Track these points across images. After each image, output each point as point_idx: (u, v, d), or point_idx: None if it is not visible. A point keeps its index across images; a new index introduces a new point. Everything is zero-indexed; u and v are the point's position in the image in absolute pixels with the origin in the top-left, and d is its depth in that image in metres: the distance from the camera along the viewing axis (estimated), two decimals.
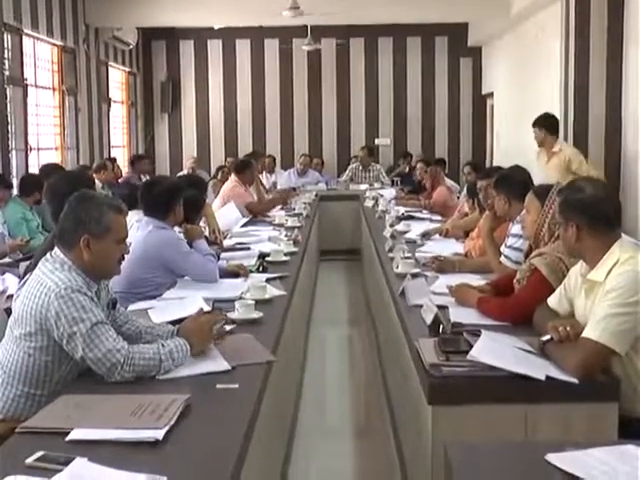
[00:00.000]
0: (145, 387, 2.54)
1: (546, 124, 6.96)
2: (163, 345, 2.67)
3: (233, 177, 7.93)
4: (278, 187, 10.64)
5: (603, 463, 1.94)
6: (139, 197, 4.38)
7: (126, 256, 2.90)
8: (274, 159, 12.22)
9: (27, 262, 4.20)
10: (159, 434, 2.12)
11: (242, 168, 7.88)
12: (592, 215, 2.79)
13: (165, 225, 4.26)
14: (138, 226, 4.31)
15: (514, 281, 3.48)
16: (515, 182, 4.34)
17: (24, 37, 8.50)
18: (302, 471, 4.11)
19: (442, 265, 4.43)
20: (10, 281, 4.55)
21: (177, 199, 4.32)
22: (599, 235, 2.79)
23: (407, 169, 11.42)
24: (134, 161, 10.45)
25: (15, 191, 7.19)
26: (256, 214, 7.54)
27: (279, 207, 8.29)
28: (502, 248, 4.18)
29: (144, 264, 4.09)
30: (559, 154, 6.79)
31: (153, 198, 4.28)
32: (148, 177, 9.74)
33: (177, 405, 2.29)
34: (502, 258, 4.11)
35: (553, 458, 1.97)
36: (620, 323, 2.62)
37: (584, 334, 2.66)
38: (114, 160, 9.75)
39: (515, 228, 4.09)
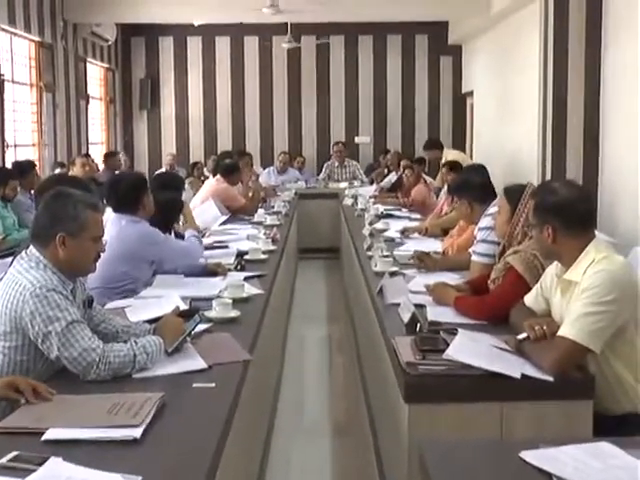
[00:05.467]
0: (121, 386, 2.53)
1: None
2: (135, 342, 2.68)
3: (220, 178, 7.76)
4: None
5: (576, 460, 1.95)
6: (106, 195, 4.34)
7: (102, 254, 2.89)
8: (251, 157, 12.17)
9: (4, 259, 4.16)
10: (137, 432, 2.11)
11: (231, 171, 7.77)
12: (567, 216, 2.81)
13: (138, 219, 4.25)
14: (111, 222, 4.28)
15: (489, 281, 3.50)
16: (473, 186, 4.41)
17: (1, 32, 8.42)
18: (280, 469, 4.10)
19: (425, 261, 4.42)
20: None
21: (144, 191, 4.32)
22: (575, 236, 2.81)
23: (386, 171, 11.44)
24: (107, 157, 10.40)
25: None
26: (247, 214, 7.43)
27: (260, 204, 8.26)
28: (472, 248, 4.20)
29: (121, 259, 4.07)
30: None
31: (121, 194, 4.27)
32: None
33: (152, 403, 2.29)
34: (474, 257, 4.11)
35: (527, 455, 1.98)
36: (595, 322, 2.64)
37: (560, 332, 2.68)
38: (88, 156, 9.67)
39: (484, 221, 4.11)
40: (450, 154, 9.54)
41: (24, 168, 7.40)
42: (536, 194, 3.00)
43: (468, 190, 4.41)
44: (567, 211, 2.81)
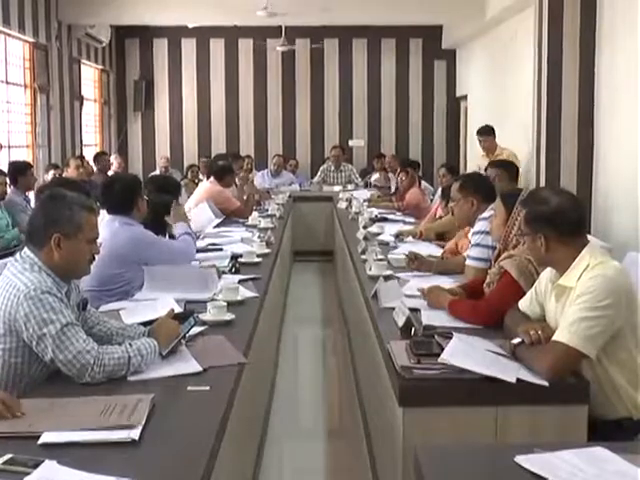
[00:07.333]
0: (116, 388, 2.52)
1: (492, 132, 8.59)
2: (130, 344, 2.67)
3: (213, 181, 7.69)
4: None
5: (571, 465, 1.95)
6: (100, 197, 4.33)
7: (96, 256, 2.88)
8: (251, 159, 12.15)
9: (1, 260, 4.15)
10: (135, 434, 2.11)
11: (224, 174, 7.74)
12: (558, 225, 2.81)
13: (131, 221, 4.25)
14: (104, 224, 4.27)
15: (484, 285, 3.51)
16: (483, 185, 4.38)
17: None
18: (274, 472, 4.10)
19: (421, 263, 4.42)
20: None
21: (138, 193, 4.33)
22: (567, 243, 2.81)
23: (380, 174, 11.44)
24: (95, 158, 10.36)
25: None
26: (241, 217, 7.40)
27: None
28: (466, 252, 4.19)
29: (115, 261, 4.07)
30: (502, 154, 8.23)
31: (115, 196, 4.27)
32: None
33: (144, 405, 2.28)
34: (468, 261, 4.10)
35: (522, 460, 1.98)
36: (590, 327, 2.64)
37: (555, 337, 2.68)
38: (83, 157, 9.65)
39: (478, 225, 4.10)
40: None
41: (20, 169, 7.38)
42: (526, 204, 3.00)
43: (477, 188, 4.35)
44: (558, 220, 2.81)
